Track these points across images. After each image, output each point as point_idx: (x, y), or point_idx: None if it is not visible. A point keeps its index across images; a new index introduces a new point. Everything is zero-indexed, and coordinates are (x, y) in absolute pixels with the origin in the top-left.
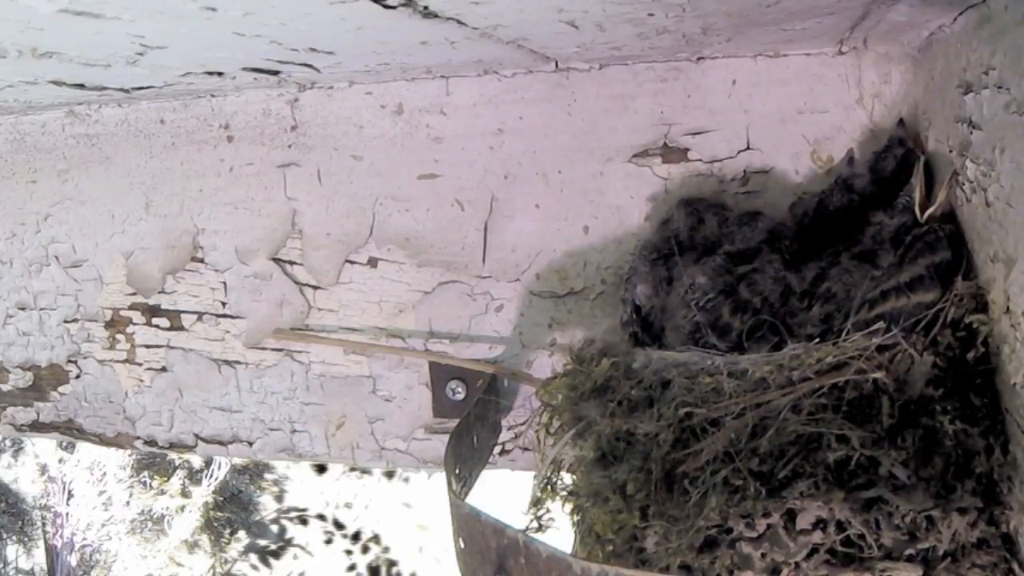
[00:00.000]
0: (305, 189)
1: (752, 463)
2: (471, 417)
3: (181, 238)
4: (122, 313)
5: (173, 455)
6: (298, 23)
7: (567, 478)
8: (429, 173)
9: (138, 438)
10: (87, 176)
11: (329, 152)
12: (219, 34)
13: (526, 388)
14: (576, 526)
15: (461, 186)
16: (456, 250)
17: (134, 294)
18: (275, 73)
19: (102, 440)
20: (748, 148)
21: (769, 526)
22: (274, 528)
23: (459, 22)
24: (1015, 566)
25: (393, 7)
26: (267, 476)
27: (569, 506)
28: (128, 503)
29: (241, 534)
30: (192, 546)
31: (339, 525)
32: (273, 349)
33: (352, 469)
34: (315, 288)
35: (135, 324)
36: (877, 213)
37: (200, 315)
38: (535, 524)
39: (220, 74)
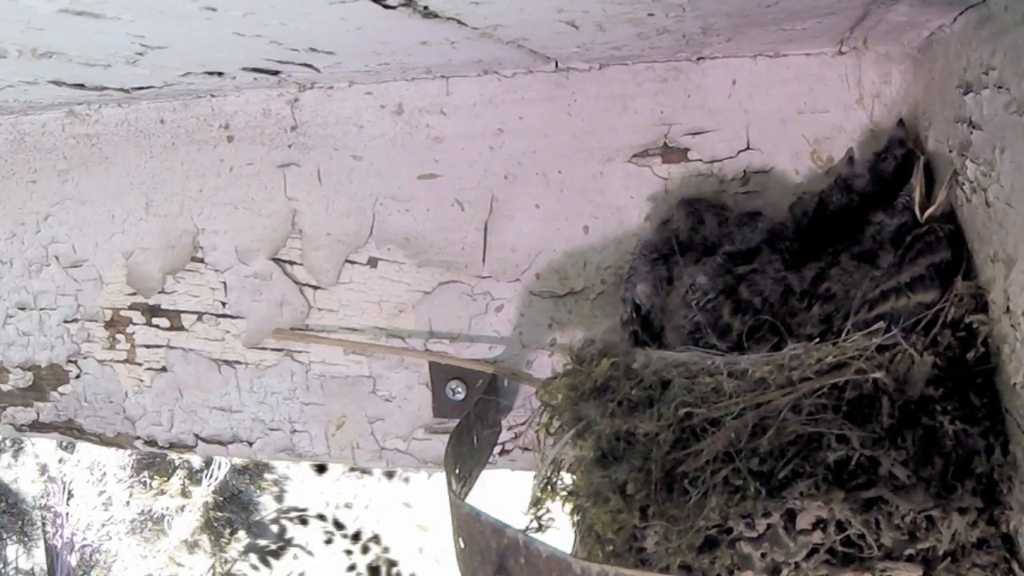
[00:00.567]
0: (305, 189)
1: (752, 463)
2: (471, 417)
3: (181, 238)
4: (122, 313)
5: (173, 455)
6: (298, 23)
7: (567, 478)
8: (429, 173)
9: (138, 438)
10: (87, 176)
11: (329, 152)
12: (219, 34)
13: (526, 388)
14: (576, 526)
15: (461, 186)
16: (456, 250)
17: (134, 294)
18: (275, 73)
19: (102, 440)
20: (748, 148)
21: (769, 526)
22: (274, 528)
23: (459, 22)
24: (1015, 566)
25: (393, 7)
26: (267, 476)
27: (569, 506)
28: (128, 503)
29: (241, 534)
30: (192, 546)
31: (339, 525)
32: (273, 349)
33: (352, 469)
34: (315, 288)
35: (135, 324)
36: (877, 213)
37: (200, 315)
38: (535, 524)
39: (220, 74)
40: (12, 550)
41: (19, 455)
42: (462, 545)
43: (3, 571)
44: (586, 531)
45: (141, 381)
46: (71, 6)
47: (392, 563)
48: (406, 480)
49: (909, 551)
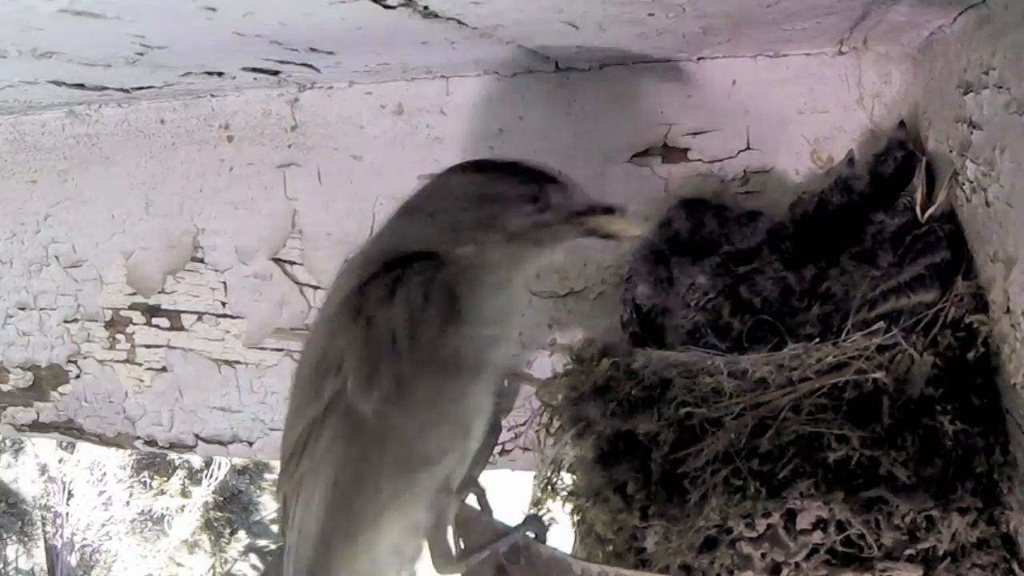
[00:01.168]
0: (305, 189)
1: (752, 463)
2: None
3: (181, 238)
4: (122, 313)
5: (173, 455)
6: (298, 23)
7: (567, 478)
8: (429, 173)
9: (138, 438)
10: (87, 176)
11: (329, 152)
12: (219, 34)
13: (526, 388)
14: (576, 526)
15: None
16: None
17: (134, 294)
18: (275, 73)
19: (102, 440)
20: (748, 148)
21: (769, 526)
22: (274, 528)
23: (459, 22)
24: (1015, 566)
25: (393, 7)
26: (267, 476)
27: (569, 506)
28: (128, 503)
29: (241, 534)
30: (192, 546)
31: None
32: (273, 349)
33: None
34: (315, 288)
35: (135, 324)
36: (878, 213)
37: (200, 315)
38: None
39: (220, 74)
40: (12, 550)
41: (19, 455)
42: (462, 545)
43: (3, 571)
44: (586, 531)
45: (141, 381)
46: (71, 6)
47: None
48: None
49: (909, 551)
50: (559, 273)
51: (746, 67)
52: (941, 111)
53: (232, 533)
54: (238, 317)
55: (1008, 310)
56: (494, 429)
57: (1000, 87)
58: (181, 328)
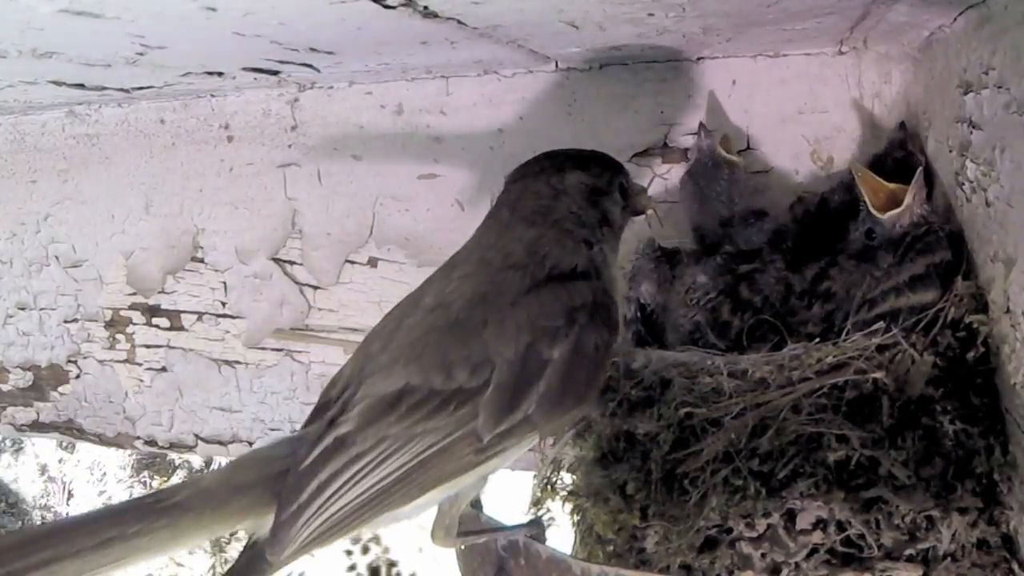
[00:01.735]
0: (305, 189)
1: (752, 463)
2: None
3: (181, 238)
4: (122, 313)
5: (173, 455)
6: (298, 23)
7: (567, 478)
8: (429, 173)
9: (138, 438)
10: (87, 176)
11: (329, 152)
12: (219, 34)
13: None
14: (576, 526)
15: (461, 186)
16: (456, 250)
17: (134, 294)
18: (275, 73)
19: (102, 440)
20: (748, 148)
21: (769, 526)
22: None
23: (459, 22)
24: (1015, 566)
25: (393, 7)
26: None
27: (569, 506)
28: None
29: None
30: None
31: None
32: (273, 349)
33: None
34: (315, 288)
35: (135, 324)
36: (853, 222)
37: (200, 315)
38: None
39: (220, 74)
40: None
41: (19, 455)
42: (462, 545)
43: None
44: (586, 531)
45: (141, 381)
46: (71, 6)
47: (392, 563)
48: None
49: (909, 551)
50: None
51: (746, 67)
52: (941, 111)
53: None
54: (238, 317)
55: (1008, 310)
56: None
57: (1000, 87)
58: (181, 328)
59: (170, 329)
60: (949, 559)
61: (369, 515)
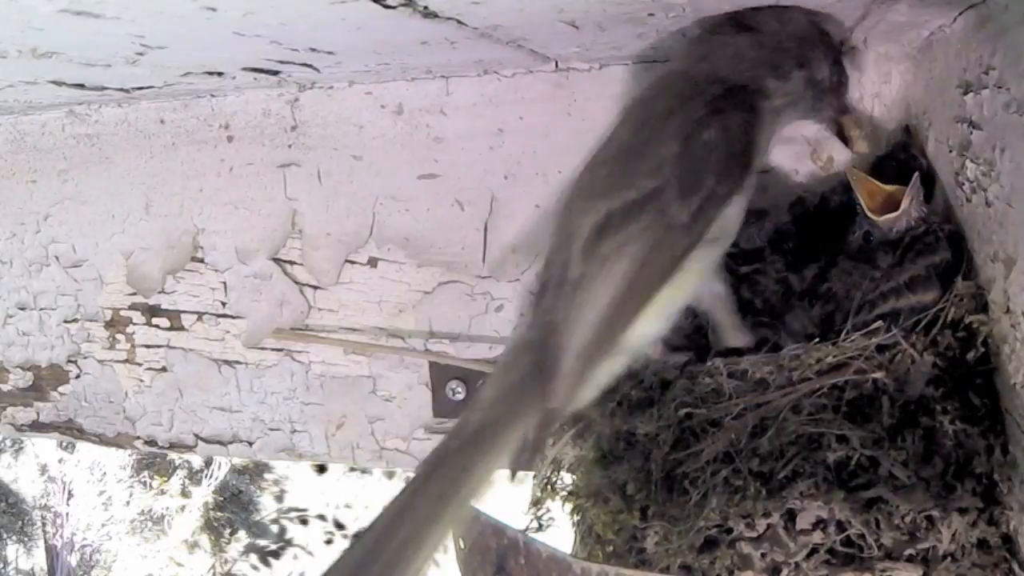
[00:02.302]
0: (305, 189)
1: (752, 463)
2: None
3: (181, 238)
4: (122, 313)
5: (173, 455)
6: (298, 23)
7: (567, 478)
8: (429, 173)
9: (138, 438)
10: (87, 176)
11: (329, 152)
12: (219, 34)
13: None
14: (576, 526)
15: (461, 186)
16: (456, 250)
17: (134, 294)
18: (275, 73)
19: (102, 440)
20: None
21: (769, 526)
22: (274, 528)
23: (459, 22)
24: (1015, 566)
25: (393, 7)
26: (267, 476)
27: (569, 506)
28: (128, 503)
29: (241, 534)
30: (192, 546)
31: (339, 525)
32: (273, 349)
33: (352, 469)
34: (315, 288)
35: (135, 324)
36: (852, 224)
37: (200, 315)
38: (535, 524)
39: (220, 74)
40: (12, 550)
41: (19, 455)
42: (462, 545)
43: (3, 571)
44: (586, 531)
45: (141, 381)
46: (71, 6)
47: None
48: (407, 480)
49: (909, 551)
50: None
51: None
52: (941, 111)
53: (232, 533)
54: (238, 317)
55: (1008, 310)
56: None
57: (1000, 87)
58: (181, 328)
59: (170, 329)
60: (949, 559)
61: (619, 329)
